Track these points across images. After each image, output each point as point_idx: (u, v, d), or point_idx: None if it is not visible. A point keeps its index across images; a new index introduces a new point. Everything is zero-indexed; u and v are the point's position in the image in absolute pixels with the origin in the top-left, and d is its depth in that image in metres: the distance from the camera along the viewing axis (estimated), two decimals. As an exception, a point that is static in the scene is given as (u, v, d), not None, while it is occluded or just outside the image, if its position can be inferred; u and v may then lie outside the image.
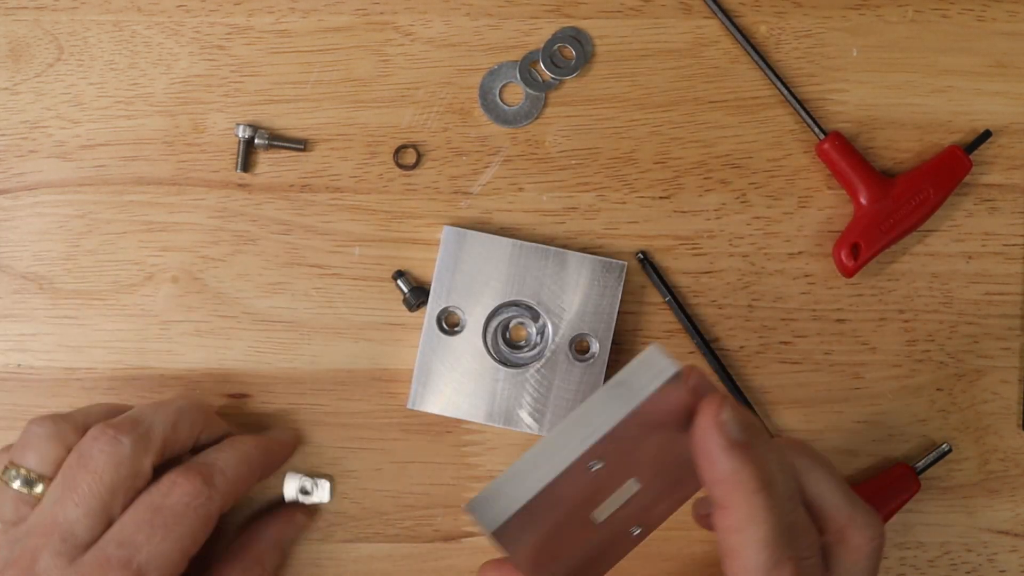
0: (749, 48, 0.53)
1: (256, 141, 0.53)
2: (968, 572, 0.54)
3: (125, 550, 0.43)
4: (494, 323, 0.52)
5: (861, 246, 0.52)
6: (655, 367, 0.38)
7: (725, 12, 0.53)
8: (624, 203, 0.54)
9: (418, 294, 0.52)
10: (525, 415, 0.52)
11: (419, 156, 0.54)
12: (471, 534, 0.53)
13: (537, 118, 0.54)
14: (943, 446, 0.53)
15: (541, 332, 0.52)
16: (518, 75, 0.53)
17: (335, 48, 0.54)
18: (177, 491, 0.45)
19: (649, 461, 0.41)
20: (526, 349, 0.52)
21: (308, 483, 0.52)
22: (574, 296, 0.52)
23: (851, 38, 0.54)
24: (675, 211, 0.54)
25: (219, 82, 0.53)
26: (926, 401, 0.54)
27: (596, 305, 0.52)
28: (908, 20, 0.54)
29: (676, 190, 0.54)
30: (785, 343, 0.54)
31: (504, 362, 0.52)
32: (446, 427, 0.53)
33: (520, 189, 0.54)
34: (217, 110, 0.53)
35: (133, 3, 0.53)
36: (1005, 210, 0.54)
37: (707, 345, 0.53)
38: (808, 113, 0.53)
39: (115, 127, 0.53)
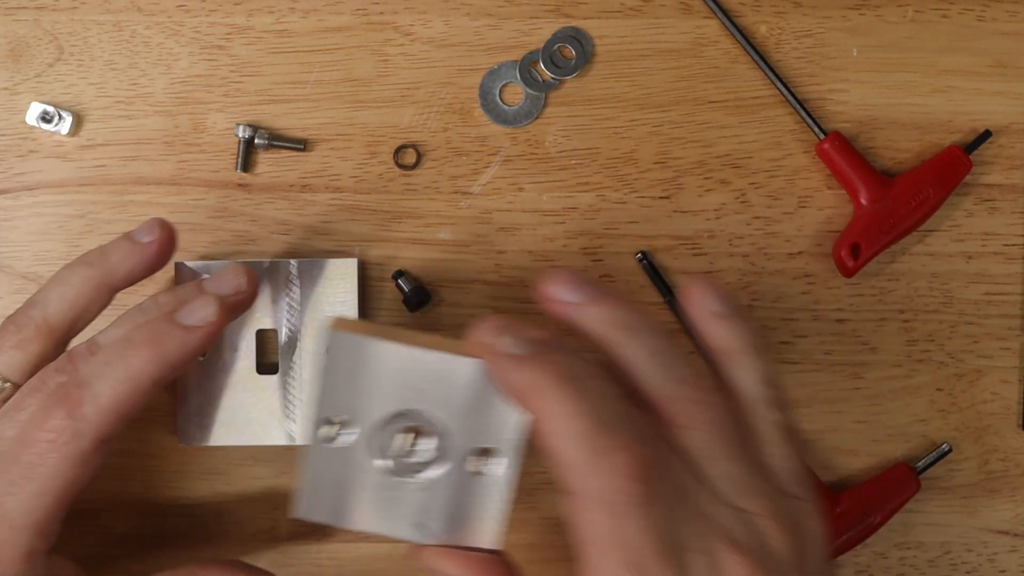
0: (749, 48, 0.53)
1: (256, 141, 0.53)
2: (968, 572, 0.54)
3: None
4: None
5: (861, 246, 0.52)
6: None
7: (725, 12, 0.53)
8: (624, 203, 0.54)
9: (419, 294, 0.52)
10: None
11: (419, 156, 0.54)
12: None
13: (537, 118, 0.54)
14: (943, 446, 0.53)
15: None
16: (518, 75, 0.53)
17: (335, 48, 0.54)
18: (37, 428, 0.40)
19: None
20: None
21: (51, 110, 0.51)
22: None
23: (851, 38, 0.54)
24: (675, 211, 0.54)
25: (219, 82, 0.53)
26: (926, 401, 0.54)
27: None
28: (908, 20, 0.54)
29: (676, 190, 0.54)
30: (785, 343, 0.54)
31: None
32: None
33: (520, 189, 0.54)
34: (217, 110, 0.53)
35: (133, 3, 0.53)
36: (1005, 210, 0.54)
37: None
38: (808, 113, 0.53)
39: (115, 127, 0.53)
